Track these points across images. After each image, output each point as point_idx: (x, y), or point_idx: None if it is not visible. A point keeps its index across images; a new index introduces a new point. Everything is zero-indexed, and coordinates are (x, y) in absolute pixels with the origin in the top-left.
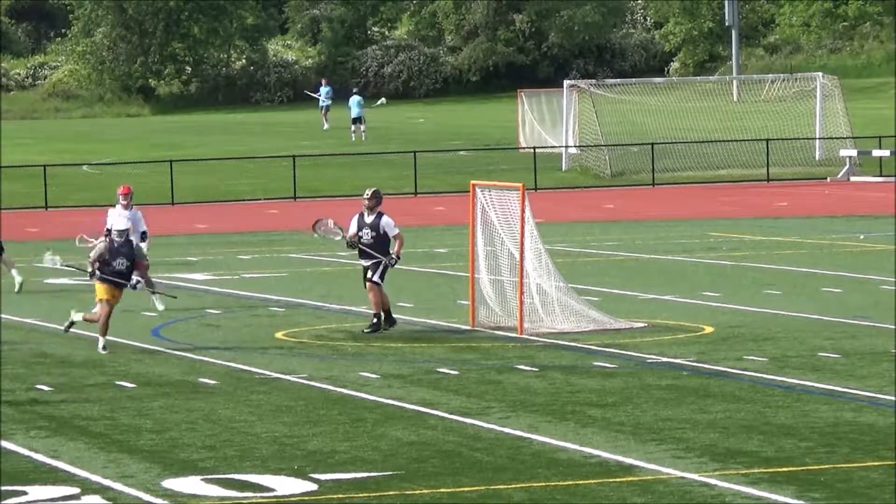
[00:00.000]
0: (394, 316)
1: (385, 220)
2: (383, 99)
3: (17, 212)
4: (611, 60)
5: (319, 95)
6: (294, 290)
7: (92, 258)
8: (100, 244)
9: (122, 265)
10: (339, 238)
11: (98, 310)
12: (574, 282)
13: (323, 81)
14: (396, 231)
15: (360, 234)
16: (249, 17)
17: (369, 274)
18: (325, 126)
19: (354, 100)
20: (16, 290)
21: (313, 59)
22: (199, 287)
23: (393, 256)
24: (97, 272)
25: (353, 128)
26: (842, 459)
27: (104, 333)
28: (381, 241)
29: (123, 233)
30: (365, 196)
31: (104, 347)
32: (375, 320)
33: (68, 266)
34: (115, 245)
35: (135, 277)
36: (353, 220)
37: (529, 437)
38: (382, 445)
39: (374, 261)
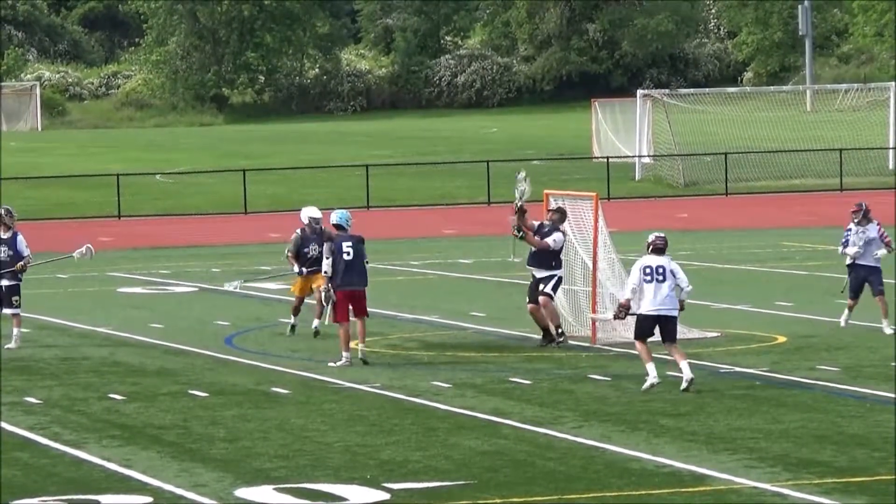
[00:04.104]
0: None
1: (554, 235)
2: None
3: (91, 221)
4: (684, 70)
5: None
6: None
7: None
8: None
9: None
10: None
11: None
12: None
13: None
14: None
15: None
16: (322, 27)
17: (542, 286)
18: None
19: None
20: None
21: (386, 68)
22: (272, 296)
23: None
24: None
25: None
26: None
27: None
28: (547, 254)
29: None
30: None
31: None
32: (560, 331)
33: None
34: None
35: None
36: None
37: (602, 446)
38: (455, 455)
39: (548, 273)
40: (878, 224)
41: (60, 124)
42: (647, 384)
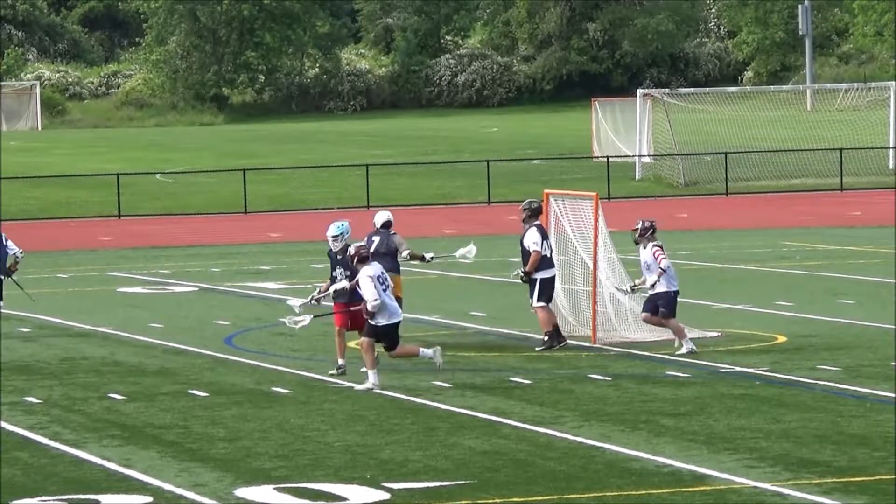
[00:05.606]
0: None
1: (527, 234)
2: None
3: (91, 220)
4: (684, 69)
5: None
6: None
7: None
8: None
9: None
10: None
11: None
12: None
13: None
14: (534, 248)
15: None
16: (322, 26)
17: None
18: None
19: None
20: None
21: (386, 67)
22: (272, 296)
23: (519, 271)
24: None
25: None
26: None
27: None
28: (526, 256)
29: None
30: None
31: None
32: (547, 338)
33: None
34: None
35: None
36: None
37: (602, 446)
38: (455, 454)
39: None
40: (655, 246)
41: (60, 124)
42: (366, 386)
